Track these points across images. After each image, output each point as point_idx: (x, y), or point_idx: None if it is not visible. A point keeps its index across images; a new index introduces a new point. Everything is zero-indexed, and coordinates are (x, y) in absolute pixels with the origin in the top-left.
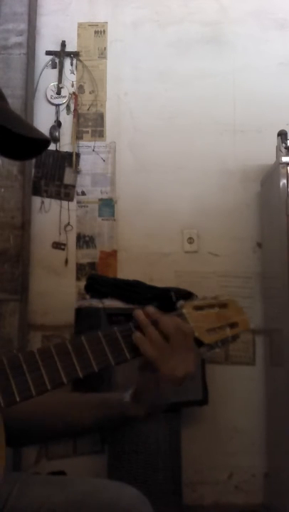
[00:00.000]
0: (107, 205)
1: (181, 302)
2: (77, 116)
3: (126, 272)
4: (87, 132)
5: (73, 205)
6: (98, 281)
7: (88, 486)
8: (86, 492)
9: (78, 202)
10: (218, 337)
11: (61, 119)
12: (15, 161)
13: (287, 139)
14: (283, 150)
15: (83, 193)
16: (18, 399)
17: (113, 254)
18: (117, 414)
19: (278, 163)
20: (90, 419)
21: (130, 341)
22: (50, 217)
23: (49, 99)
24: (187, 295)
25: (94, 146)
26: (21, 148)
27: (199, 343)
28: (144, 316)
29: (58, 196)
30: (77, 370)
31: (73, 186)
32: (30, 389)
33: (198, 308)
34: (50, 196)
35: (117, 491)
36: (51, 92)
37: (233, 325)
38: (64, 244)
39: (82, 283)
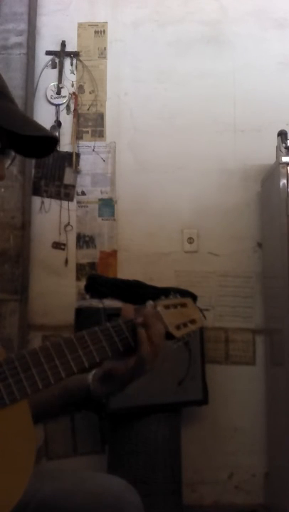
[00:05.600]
0: (107, 205)
1: (150, 302)
2: (77, 116)
3: (126, 271)
4: (87, 132)
5: (73, 205)
6: (98, 281)
7: (78, 476)
8: (75, 482)
9: (78, 202)
10: (184, 331)
11: (61, 119)
12: (31, 158)
13: (287, 139)
14: (283, 150)
15: (83, 193)
16: (29, 392)
17: (113, 254)
18: (79, 396)
19: (278, 163)
20: (56, 407)
21: (122, 335)
22: (50, 217)
23: (49, 99)
24: (187, 295)
25: (94, 146)
26: (32, 146)
27: (171, 337)
28: (151, 312)
29: (58, 196)
30: (72, 365)
31: (73, 186)
32: (37, 383)
33: (166, 307)
34: (50, 196)
35: (105, 480)
36: (51, 92)
37: (192, 321)
38: (64, 244)
39: (82, 283)
